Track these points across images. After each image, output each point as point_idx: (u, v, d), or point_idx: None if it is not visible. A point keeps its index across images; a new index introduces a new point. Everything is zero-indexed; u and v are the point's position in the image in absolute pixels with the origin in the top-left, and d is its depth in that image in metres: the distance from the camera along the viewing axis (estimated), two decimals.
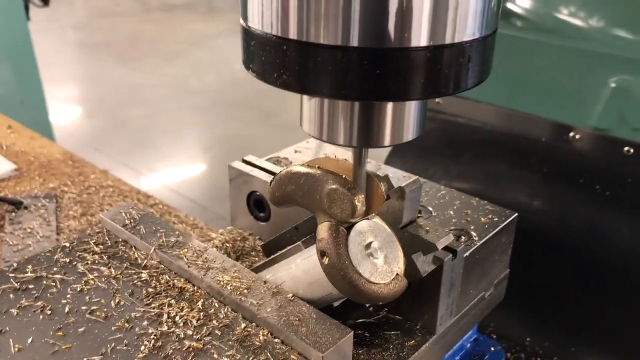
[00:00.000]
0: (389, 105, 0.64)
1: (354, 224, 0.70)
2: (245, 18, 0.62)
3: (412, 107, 0.65)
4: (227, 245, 1.00)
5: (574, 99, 1.57)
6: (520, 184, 1.63)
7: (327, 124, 0.66)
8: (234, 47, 7.30)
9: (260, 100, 5.59)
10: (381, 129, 0.65)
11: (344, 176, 0.68)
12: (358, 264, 0.67)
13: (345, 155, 0.73)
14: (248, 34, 0.62)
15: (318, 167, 0.70)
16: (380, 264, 0.69)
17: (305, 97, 0.67)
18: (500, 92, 1.69)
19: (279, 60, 0.59)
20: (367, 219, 0.71)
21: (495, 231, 0.89)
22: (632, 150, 1.48)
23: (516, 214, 0.94)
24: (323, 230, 0.68)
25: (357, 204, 0.66)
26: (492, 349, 1.02)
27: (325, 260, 0.67)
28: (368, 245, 0.69)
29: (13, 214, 1.32)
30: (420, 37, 0.55)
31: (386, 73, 0.56)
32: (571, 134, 1.56)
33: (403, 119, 0.65)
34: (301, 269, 0.75)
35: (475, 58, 0.60)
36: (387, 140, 0.65)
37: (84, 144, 4.73)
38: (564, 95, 1.59)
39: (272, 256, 0.84)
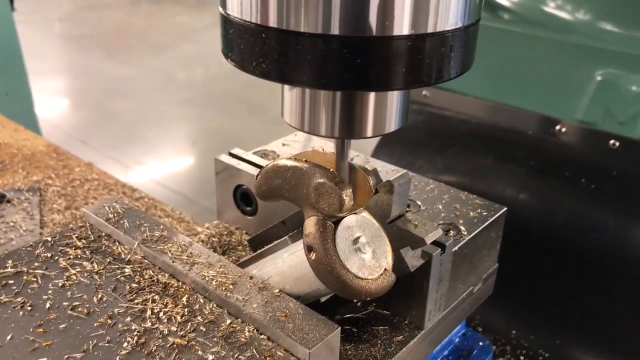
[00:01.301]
0: (371, 96, 0.63)
1: (341, 218, 0.68)
2: (224, 6, 0.60)
3: (394, 98, 0.64)
4: (213, 239, 0.99)
5: (561, 93, 1.56)
6: (507, 177, 1.63)
7: (309, 115, 0.64)
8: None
9: (248, 94, 5.56)
10: (363, 120, 0.64)
11: (331, 170, 0.67)
12: (346, 259, 0.66)
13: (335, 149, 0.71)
14: (227, 22, 0.60)
15: (305, 161, 0.68)
16: (368, 259, 0.68)
17: (286, 87, 0.65)
18: (486, 85, 1.69)
19: (258, 49, 0.58)
20: (355, 213, 0.70)
21: (484, 226, 0.88)
22: (617, 144, 1.48)
23: (505, 209, 0.93)
24: (310, 224, 0.67)
25: (344, 198, 0.64)
26: (481, 343, 1.01)
27: (313, 256, 0.66)
28: (356, 240, 0.68)
29: None
30: (401, 25, 0.54)
31: (367, 62, 0.55)
32: (557, 127, 1.56)
33: (385, 109, 0.64)
34: (288, 263, 0.73)
35: (458, 48, 0.59)
36: (369, 131, 0.64)
37: (70, 136, 4.68)
38: (550, 88, 1.58)
39: (258, 251, 0.83)
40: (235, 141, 4.86)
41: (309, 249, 0.66)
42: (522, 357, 1.57)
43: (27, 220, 1.27)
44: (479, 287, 0.94)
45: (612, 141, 1.46)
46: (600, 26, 1.44)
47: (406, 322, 0.84)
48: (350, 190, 0.65)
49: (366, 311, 0.86)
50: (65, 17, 8.18)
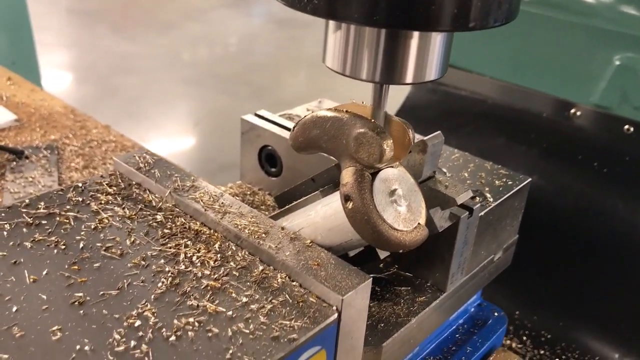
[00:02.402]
0: (414, 40, 0.63)
1: (379, 170, 0.69)
2: None
3: (436, 44, 0.65)
4: (237, 198, 0.99)
5: (577, 76, 1.57)
6: (519, 159, 1.63)
7: (352, 58, 0.65)
8: (228, 21, 7.23)
9: (253, 76, 5.55)
10: (405, 65, 0.65)
11: (372, 120, 0.67)
12: (382, 210, 0.67)
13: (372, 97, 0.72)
14: None
15: (345, 111, 0.69)
16: (404, 212, 0.69)
17: (330, 30, 0.66)
18: (503, 66, 1.69)
19: None
20: (392, 167, 0.71)
21: (509, 194, 0.89)
22: (632, 129, 1.48)
23: (529, 179, 0.94)
24: (348, 175, 0.67)
25: (385, 148, 0.65)
26: (496, 314, 1.02)
27: (349, 205, 0.67)
28: (392, 192, 0.69)
29: (14, 163, 1.30)
30: None
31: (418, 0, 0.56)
32: (572, 111, 1.57)
33: (427, 56, 0.65)
34: (321, 215, 0.74)
35: None
36: (409, 77, 0.65)
37: None
38: (567, 71, 1.59)
39: (287, 206, 0.83)
40: (238, 123, 4.85)
41: (346, 198, 0.67)
42: (524, 337, 1.59)
43: (46, 176, 1.27)
44: (499, 256, 0.95)
45: (626, 126, 1.47)
46: (622, 10, 1.44)
47: (428, 284, 0.85)
48: (391, 141, 0.66)
49: (389, 272, 0.87)
50: None
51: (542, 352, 1.55)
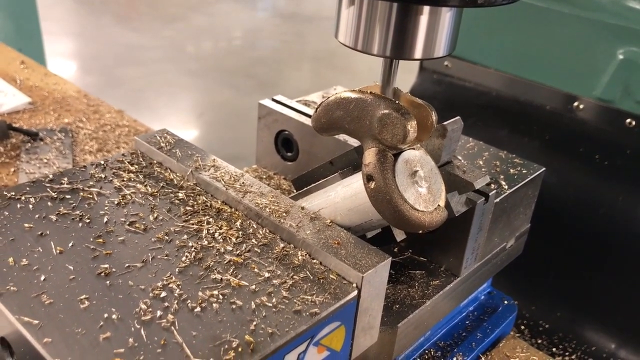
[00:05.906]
0: (425, 16, 0.65)
1: (401, 151, 0.70)
2: None
3: (445, 21, 0.67)
4: None
5: (581, 69, 1.57)
6: (521, 150, 1.64)
7: (363, 33, 0.67)
8: (233, 14, 7.23)
9: (257, 70, 5.56)
10: (414, 40, 0.66)
11: (397, 101, 0.68)
12: (403, 191, 0.68)
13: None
14: None
15: (370, 93, 0.70)
16: (424, 193, 0.70)
17: (343, 5, 0.67)
18: (507, 58, 1.69)
19: None
20: (414, 148, 0.72)
21: (524, 182, 0.91)
22: (634, 123, 1.49)
23: (543, 169, 0.95)
24: (371, 155, 0.68)
25: (409, 129, 0.66)
26: (506, 302, 1.04)
27: (372, 185, 0.68)
28: (414, 174, 0.70)
29: (28, 144, 1.32)
30: None
31: None
32: (575, 104, 1.57)
33: (437, 32, 0.67)
34: (341, 195, 0.75)
35: None
36: (419, 52, 0.67)
37: None
38: (570, 64, 1.59)
39: (306, 188, 0.84)
40: (242, 115, 4.87)
41: (368, 178, 0.68)
42: (522, 327, 1.60)
43: (60, 158, 1.28)
44: (512, 244, 0.97)
45: (628, 120, 1.48)
46: (626, 4, 1.45)
47: (442, 269, 0.86)
48: (415, 122, 0.67)
49: (403, 256, 0.88)
50: None
51: (539, 341, 1.57)
